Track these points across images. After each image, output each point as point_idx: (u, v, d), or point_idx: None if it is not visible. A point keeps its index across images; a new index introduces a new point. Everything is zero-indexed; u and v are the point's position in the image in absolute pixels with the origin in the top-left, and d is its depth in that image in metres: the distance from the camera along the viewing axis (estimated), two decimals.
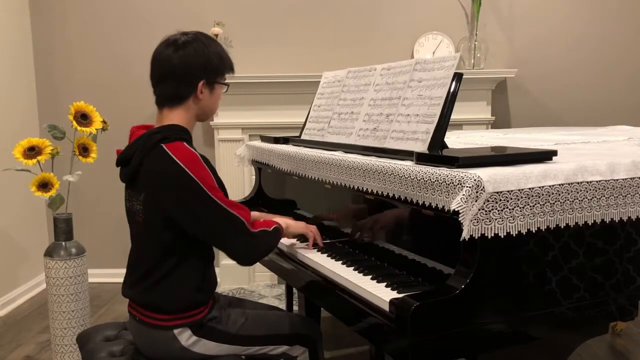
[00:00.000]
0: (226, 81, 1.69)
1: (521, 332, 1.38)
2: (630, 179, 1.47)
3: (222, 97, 1.70)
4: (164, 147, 1.52)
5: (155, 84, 1.63)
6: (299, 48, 3.79)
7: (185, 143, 1.55)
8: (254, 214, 2.02)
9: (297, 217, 2.04)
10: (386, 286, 1.42)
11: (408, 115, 1.65)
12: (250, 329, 1.67)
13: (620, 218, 1.46)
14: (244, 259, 1.61)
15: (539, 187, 1.33)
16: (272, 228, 1.65)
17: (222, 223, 1.53)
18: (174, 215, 1.51)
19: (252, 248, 1.59)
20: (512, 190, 1.29)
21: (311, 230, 1.83)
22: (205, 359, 1.62)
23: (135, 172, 1.57)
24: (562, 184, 1.36)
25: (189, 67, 1.58)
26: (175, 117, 1.61)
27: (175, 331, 1.57)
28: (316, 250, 1.81)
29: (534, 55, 3.83)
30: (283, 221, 1.77)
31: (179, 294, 1.56)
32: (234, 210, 1.53)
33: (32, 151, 2.44)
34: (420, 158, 1.46)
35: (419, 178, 1.39)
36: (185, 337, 1.58)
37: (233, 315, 1.68)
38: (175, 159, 1.49)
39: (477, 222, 1.25)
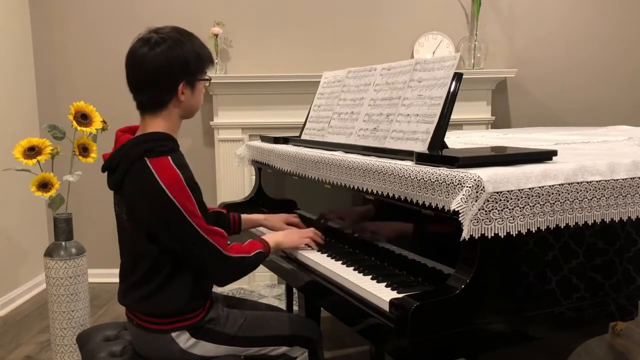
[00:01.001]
0: (207, 75, 1.61)
1: (521, 332, 1.38)
2: (630, 179, 1.47)
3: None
4: (148, 163, 1.47)
5: (133, 90, 1.56)
6: (299, 48, 3.78)
7: (170, 158, 1.49)
8: (256, 216, 2.03)
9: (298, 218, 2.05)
10: (386, 286, 1.42)
11: (408, 115, 1.65)
12: (250, 330, 1.67)
13: (620, 218, 1.46)
14: (216, 282, 1.62)
15: (539, 187, 1.33)
16: (252, 254, 1.63)
17: (198, 248, 1.51)
18: (154, 232, 1.50)
19: (224, 272, 1.58)
20: (512, 190, 1.29)
21: (307, 237, 1.82)
22: None
23: (121, 182, 1.54)
24: (562, 184, 1.36)
25: (165, 73, 1.50)
26: (159, 124, 1.55)
27: (174, 334, 1.57)
28: (316, 250, 1.81)
29: (534, 55, 3.83)
30: (274, 240, 1.75)
31: (176, 300, 1.56)
32: (210, 237, 1.51)
33: (32, 151, 2.44)
34: (420, 158, 1.46)
35: (419, 178, 1.39)
36: (184, 340, 1.57)
37: (232, 316, 1.68)
38: (158, 179, 1.45)
39: (477, 222, 1.25)
